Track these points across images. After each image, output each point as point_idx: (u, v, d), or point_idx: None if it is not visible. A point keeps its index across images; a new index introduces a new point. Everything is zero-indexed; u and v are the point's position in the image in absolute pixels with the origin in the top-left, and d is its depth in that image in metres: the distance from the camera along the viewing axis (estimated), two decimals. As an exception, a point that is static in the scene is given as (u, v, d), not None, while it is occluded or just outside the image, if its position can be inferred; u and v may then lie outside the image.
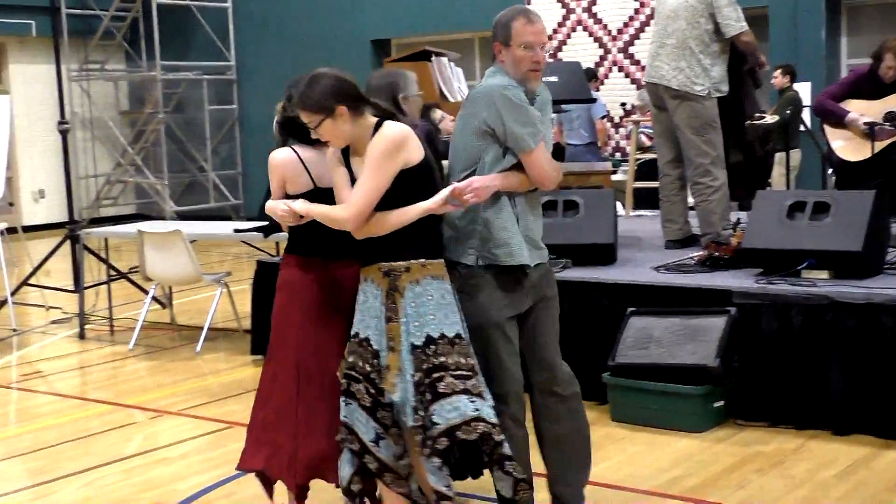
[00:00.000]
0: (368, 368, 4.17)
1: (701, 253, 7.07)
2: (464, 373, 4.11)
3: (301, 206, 4.24)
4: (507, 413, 4.34)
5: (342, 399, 4.25)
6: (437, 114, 7.42)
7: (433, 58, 8.19)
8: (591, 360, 6.44)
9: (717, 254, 6.86)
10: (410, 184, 4.13)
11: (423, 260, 4.17)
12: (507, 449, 4.17)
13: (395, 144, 4.09)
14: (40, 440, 6.42)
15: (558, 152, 10.16)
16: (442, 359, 4.08)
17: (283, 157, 4.48)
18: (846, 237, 6.31)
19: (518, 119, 4.21)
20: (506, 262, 4.29)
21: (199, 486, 5.45)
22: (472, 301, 4.31)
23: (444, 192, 4.12)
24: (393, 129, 4.12)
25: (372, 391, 4.17)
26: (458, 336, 4.15)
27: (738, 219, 7.66)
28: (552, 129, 4.48)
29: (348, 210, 4.10)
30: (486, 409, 4.12)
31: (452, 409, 4.06)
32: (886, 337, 5.76)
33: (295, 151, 4.47)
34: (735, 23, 7.37)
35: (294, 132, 4.46)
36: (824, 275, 6.28)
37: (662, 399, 6.12)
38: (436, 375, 4.06)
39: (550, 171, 4.34)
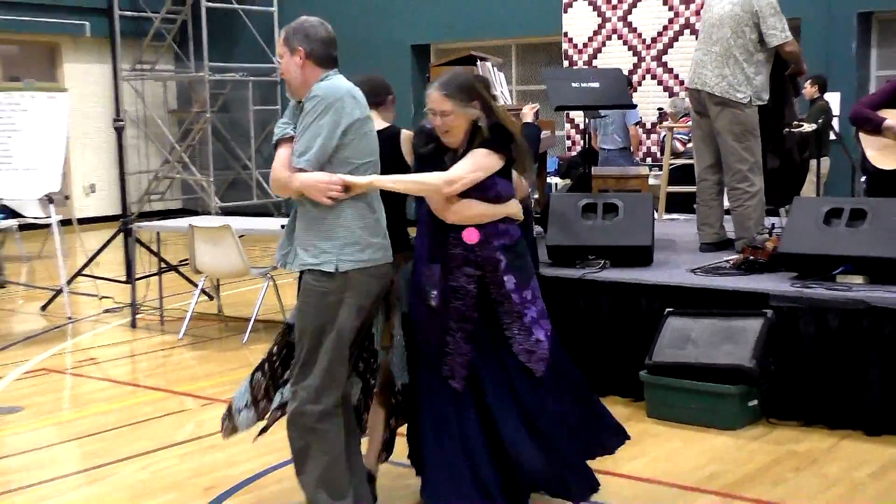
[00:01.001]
0: None
1: (737, 256, 7.01)
2: None
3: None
4: None
5: None
6: None
7: (478, 62, 8.13)
8: (629, 358, 6.47)
9: (752, 257, 6.80)
10: None
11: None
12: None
13: None
14: (95, 425, 6.44)
15: (591, 155, 10.11)
16: None
17: None
18: (883, 243, 6.24)
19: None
20: None
21: (250, 471, 5.47)
22: None
23: None
24: None
25: None
26: None
27: (773, 224, 7.62)
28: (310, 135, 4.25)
29: None
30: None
31: None
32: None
33: None
34: (780, 33, 7.30)
35: None
36: (860, 279, 6.21)
37: (698, 398, 6.08)
38: None
39: (273, 174, 4.38)
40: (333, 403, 4.27)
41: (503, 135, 4.48)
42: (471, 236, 4.45)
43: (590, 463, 4.72)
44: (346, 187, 4.15)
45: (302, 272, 4.33)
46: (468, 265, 4.45)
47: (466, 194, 4.40)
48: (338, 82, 4.29)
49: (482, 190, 4.43)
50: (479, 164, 4.40)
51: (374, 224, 4.31)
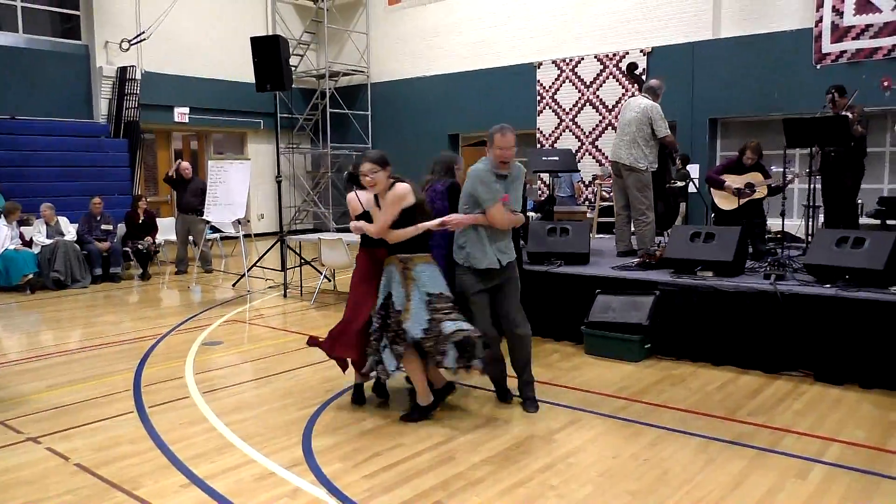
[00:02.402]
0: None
1: (638, 259, 6.95)
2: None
3: (358, 224, 4.52)
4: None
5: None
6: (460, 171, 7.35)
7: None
8: (575, 319, 6.40)
9: (648, 260, 6.74)
10: (408, 215, 4.36)
11: (420, 254, 4.40)
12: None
13: (399, 197, 4.34)
14: (262, 352, 6.47)
15: (552, 199, 10.02)
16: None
17: (350, 196, 4.65)
18: (723, 251, 6.18)
19: (483, 190, 4.41)
20: (477, 266, 4.50)
21: (353, 381, 5.43)
22: (460, 281, 4.53)
23: (438, 220, 4.38)
24: (400, 187, 4.35)
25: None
26: (441, 293, 4.36)
27: (660, 241, 7.54)
28: (520, 191, 4.60)
29: (375, 227, 4.41)
30: (464, 324, 4.30)
31: (452, 324, 4.27)
32: (745, 308, 5.64)
33: (356, 193, 4.61)
34: (663, 130, 7.24)
35: (356, 182, 4.58)
36: (710, 273, 6.15)
37: (615, 342, 6.03)
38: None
39: (501, 219, 4.43)
40: None
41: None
42: None
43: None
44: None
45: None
46: None
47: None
48: None
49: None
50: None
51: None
